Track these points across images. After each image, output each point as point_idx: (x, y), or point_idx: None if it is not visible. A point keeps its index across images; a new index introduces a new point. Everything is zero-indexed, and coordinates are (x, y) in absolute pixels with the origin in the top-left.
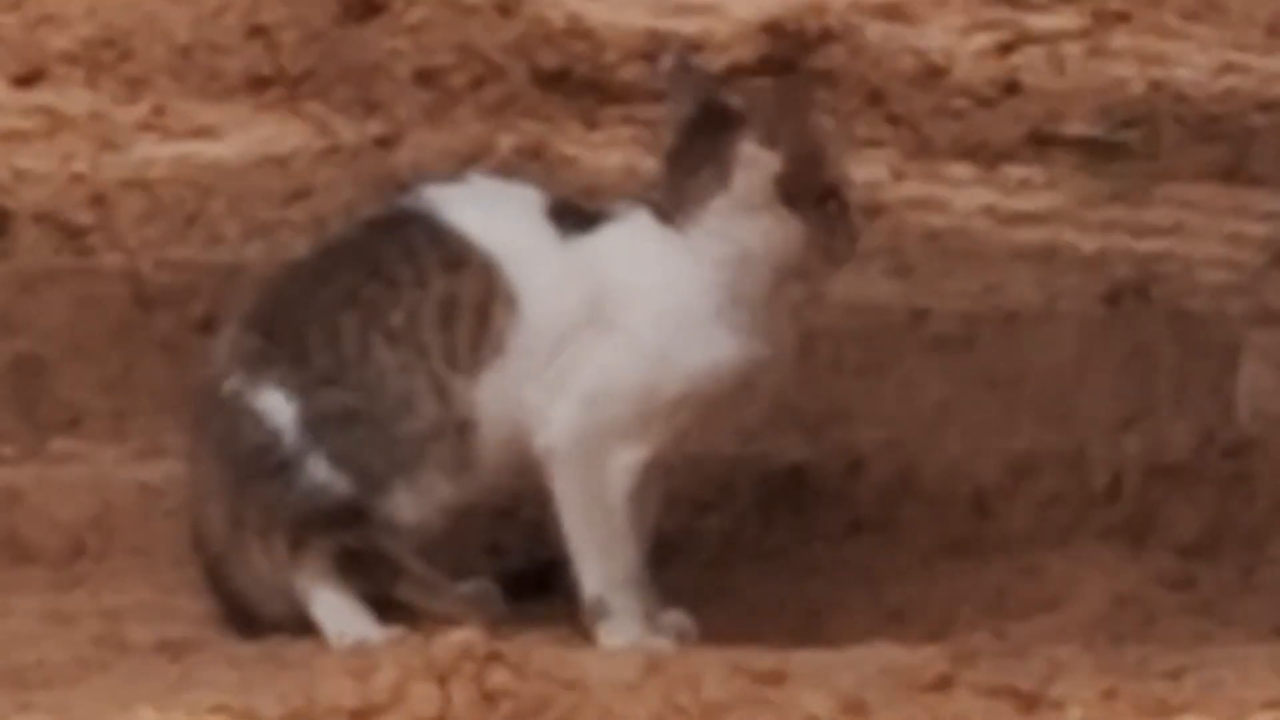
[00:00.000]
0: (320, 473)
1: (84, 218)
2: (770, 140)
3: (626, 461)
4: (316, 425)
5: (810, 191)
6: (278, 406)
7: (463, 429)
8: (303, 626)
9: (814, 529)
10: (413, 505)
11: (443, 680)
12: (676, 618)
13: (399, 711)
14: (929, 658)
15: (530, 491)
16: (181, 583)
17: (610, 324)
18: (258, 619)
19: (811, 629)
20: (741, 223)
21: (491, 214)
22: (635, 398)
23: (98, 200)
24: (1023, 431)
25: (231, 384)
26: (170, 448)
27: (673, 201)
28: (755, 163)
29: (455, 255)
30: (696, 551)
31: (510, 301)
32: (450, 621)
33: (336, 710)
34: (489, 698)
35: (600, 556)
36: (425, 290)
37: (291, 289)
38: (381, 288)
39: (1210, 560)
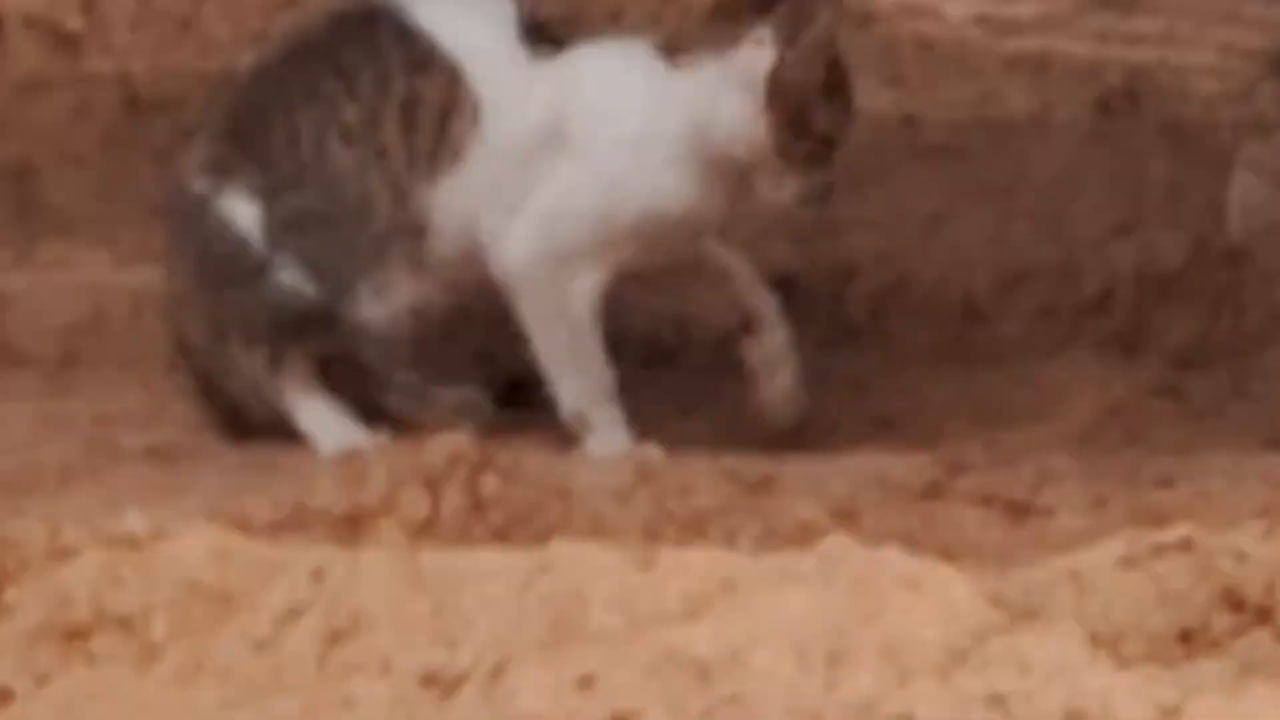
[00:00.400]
0: (289, 278)
1: (75, 23)
2: (780, 37)
3: (583, 284)
4: (282, 230)
5: (791, 112)
6: (244, 212)
7: (419, 232)
8: (295, 431)
9: (804, 338)
10: (378, 307)
11: (433, 486)
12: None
13: (389, 517)
14: (919, 466)
15: (490, 297)
16: (173, 389)
17: (572, 146)
18: (250, 423)
19: (802, 438)
20: (723, 95)
21: (460, 20)
22: (590, 223)
23: (89, 6)
24: (1014, 241)
25: (198, 190)
26: (162, 253)
27: (684, 40)
28: (758, 48)
29: (419, 57)
30: (685, 361)
31: (472, 110)
32: (440, 428)
33: (327, 515)
34: (479, 504)
35: (574, 372)
36: (386, 91)
37: (255, 89)
38: (340, 85)
39: (1201, 370)
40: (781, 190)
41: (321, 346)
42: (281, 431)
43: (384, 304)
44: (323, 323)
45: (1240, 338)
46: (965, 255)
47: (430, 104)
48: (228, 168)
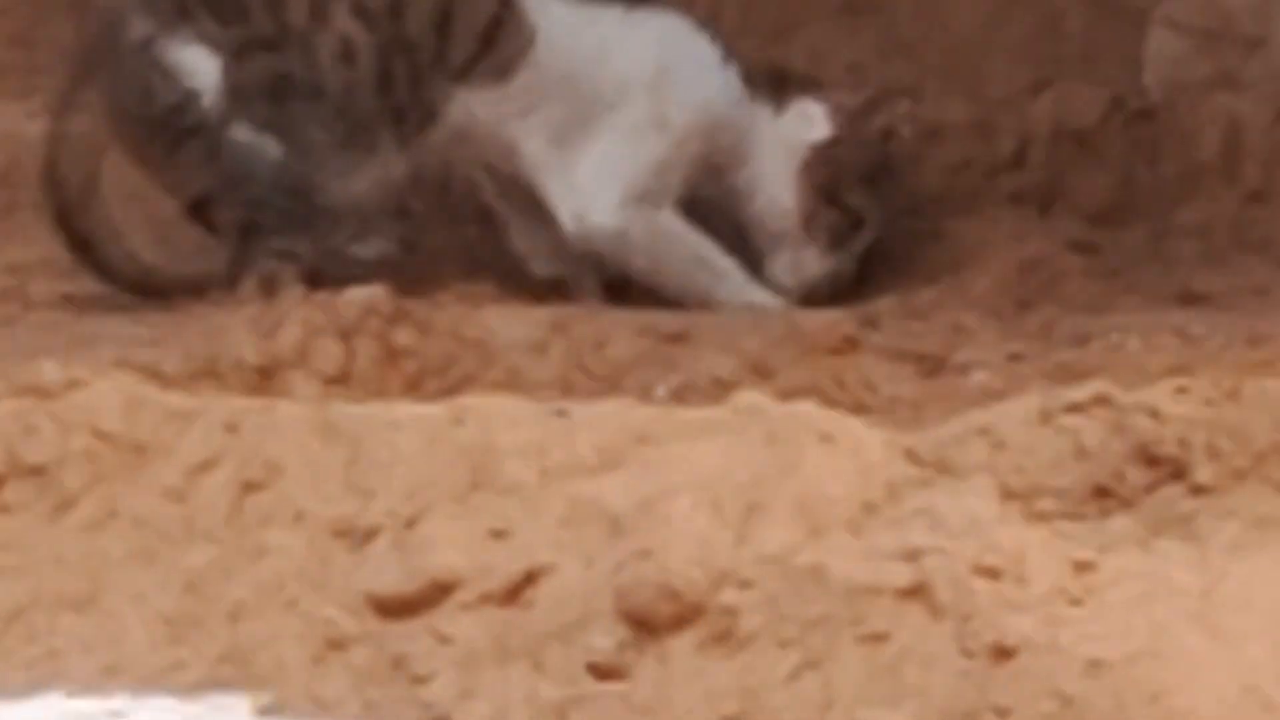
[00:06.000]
0: (245, 135)
1: None
2: (839, 120)
3: (665, 211)
4: (245, 89)
5: (826, 183)
6: (197, 64)
7: (428, 119)
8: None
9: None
10: (365, 180)
11: (346, 338)
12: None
13: (303, 369)
14: (834, 321)
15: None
16: None
17: (623, 98)
18: (116, 281)
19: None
20: (761, 148)
21: None
22: (653, 162)
23: None
24: (930, 96)
25: (139, 32)
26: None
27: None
28: (804, 120)
29: None
30: None
31: (527, 36)
32: (355, 281)
33: (240, 366)
34: (393, 356)
35: (713, 280)
36: None
37: None
38: None
39: (1117, 227)
40: (799, 270)
41: (273, 207)
42: (138, 289)
43: (373, 178)
44: (288, 189)
45: (1156, 195)
46: None
47: (472, 16)
48: (180, 13)
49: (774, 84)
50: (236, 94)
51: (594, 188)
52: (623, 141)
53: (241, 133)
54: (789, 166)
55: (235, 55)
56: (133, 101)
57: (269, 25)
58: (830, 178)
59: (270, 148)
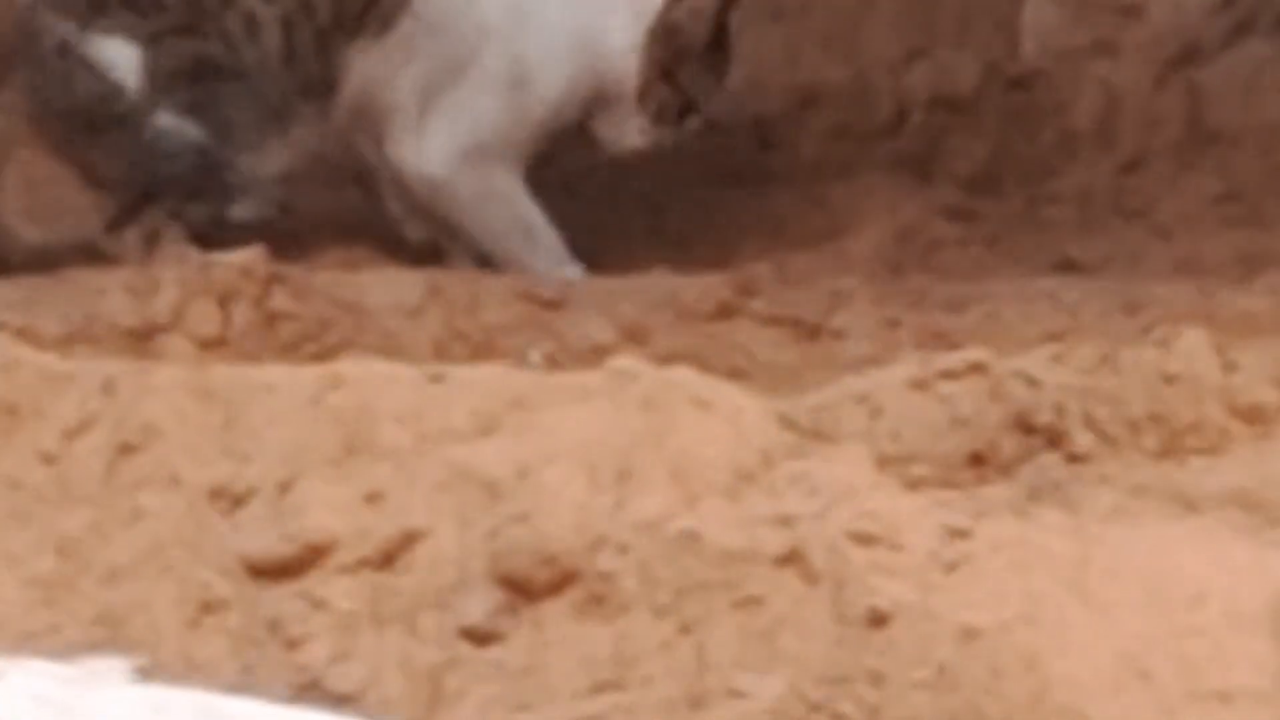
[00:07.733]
0: (168, 122)
1: None
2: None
3: (508, 170)
4: (168, 76)
5: (667, 57)
6: (120, 57)
7: (332, 88)
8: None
9: (596, 158)
10: (276, 159)
11: (223, 301)
12: None
13: (179, 331)
14: (711, 287)
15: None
16: None
17: (488, 41)
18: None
19: (593, 258)
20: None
21: None
22: (506, 121)
23: None
24: (807, 63)
25: (59, 33)
26: None
27: None
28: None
29: None
30: None
31: None
32: (233, 244)
33: (116, 328)
34: (269, 319)
35: (533, 245)
36: None
37: None
38: None
39: (993, 194)
40: (622, 133)
41: (200, 192)
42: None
43: (285, 157)
44: (207, 168)
45: (1031, 162)
46: (758, 77)
47: None
48: (97, 9)
49: None
50: (156, 81)
51: (430, 137)
52: (473, 93)
53: (163, 119)
54: (640, 35)
55: (152, 42)
56: (55, 97)
57: (181, 10)
58: (670, 52)
59: (192, 132)
